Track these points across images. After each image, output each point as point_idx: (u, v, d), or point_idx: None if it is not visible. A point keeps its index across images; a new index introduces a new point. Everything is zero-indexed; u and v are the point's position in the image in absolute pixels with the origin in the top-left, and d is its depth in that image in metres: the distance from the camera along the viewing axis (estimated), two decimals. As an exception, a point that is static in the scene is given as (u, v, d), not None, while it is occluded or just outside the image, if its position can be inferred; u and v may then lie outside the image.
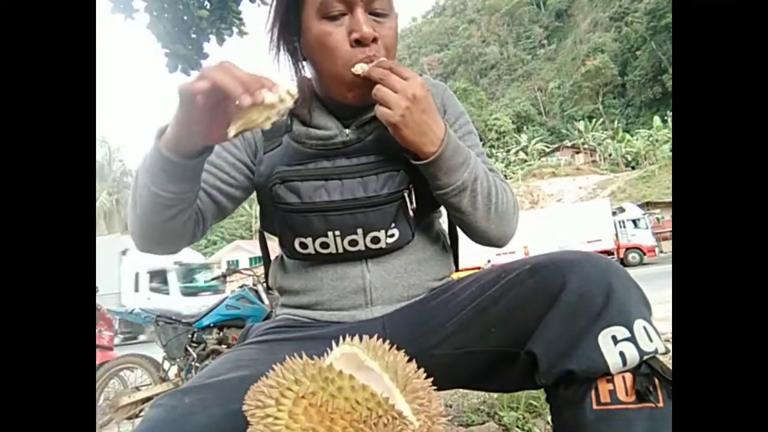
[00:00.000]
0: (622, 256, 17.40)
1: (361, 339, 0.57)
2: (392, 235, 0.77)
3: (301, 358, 0.53)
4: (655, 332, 0.55)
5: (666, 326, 3.23)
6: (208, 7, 4.08)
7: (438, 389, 0.59)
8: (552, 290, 0.59)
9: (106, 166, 35.85)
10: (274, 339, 0.79)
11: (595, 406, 0.54)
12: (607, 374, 0.53)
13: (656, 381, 0.53)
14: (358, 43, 0.70)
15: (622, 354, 0.53)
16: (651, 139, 44.13)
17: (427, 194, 0.79)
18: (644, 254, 17.56)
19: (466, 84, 75.43)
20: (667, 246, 21.51)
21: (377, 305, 0.79)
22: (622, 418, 0.53)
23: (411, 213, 0.77)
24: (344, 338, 0.58)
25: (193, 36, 4.14)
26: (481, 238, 0.80)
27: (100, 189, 32.97)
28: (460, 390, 2.22)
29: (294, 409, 0.47)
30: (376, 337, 0.58)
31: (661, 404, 0.52)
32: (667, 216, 21.61)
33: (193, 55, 4.18)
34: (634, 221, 18.06)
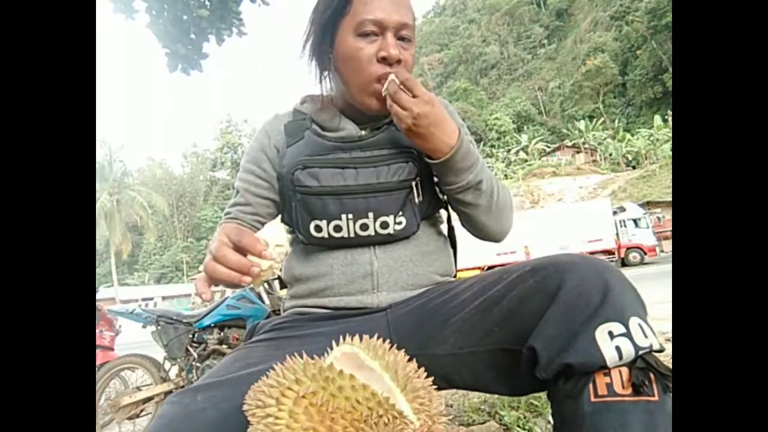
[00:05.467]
0: (622, 255, 17.36)
1: (361, 339, 0.57)
2: (400, 223, 0.83)
3: (308, 354, 0.53)
4: (650, 330, 0.57)
5: (666, 325, 3.23)
6: (208, 6, 4.08)
7: (441, 389, 0.59)
8: (551, 289, 0.62)
9: (107, 166, 35.84)
10: (283, 336, 0.83)
11: (592, 399, 0.56)
12: (604, 368, 0.55)
13: (652, 375, 0.55)
14: (384, 60, 0.81)
15: (618, 348, 0.55)
16: (652, 138, 44.04)
17: (432, 190, 0.89)
18: (645, 254, 17.51)
19: (467, 84, 75.35)
20: (668, 245, 21.49)
21: (383, 291, 0.84)
22: (618, 409, 0.55)
23: (417, 204, 0.85)
24: (344, 338, 0.58)
25: (193, 36, 4.14)
26: (481, 231, 0.89)
27: (101, 189, 33.01)
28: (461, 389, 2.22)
29: (294, 409, 0.47)
30: (376, 336, 0.58)
31: (656, 398, 0.54)
32: (668, 215, 21.57)
33: (192, 55, 4.18)
34: (634, 221, 18.01)
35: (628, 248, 17.60)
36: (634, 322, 0.56)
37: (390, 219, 0.83)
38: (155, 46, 4.20)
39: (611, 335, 0.55)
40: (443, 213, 0.98)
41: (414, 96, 0.76)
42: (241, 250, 0.66)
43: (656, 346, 0.56)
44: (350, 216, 0.82)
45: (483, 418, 1.74)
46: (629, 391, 0.54)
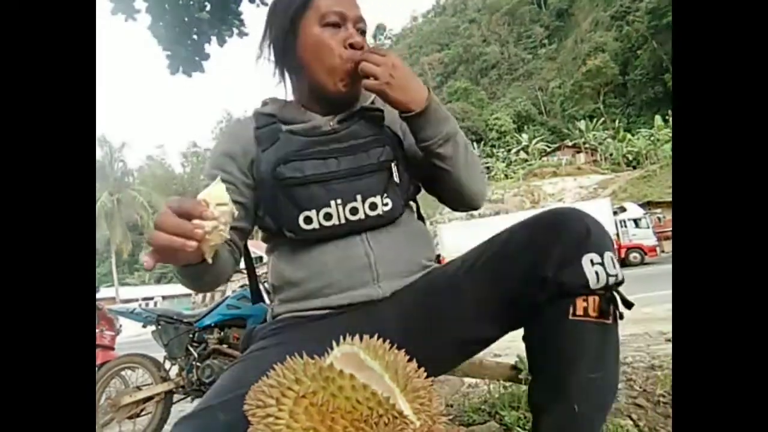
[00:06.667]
0: (623, 255, 17.30)
1: (361, 338, 0.57)
2: (387, 204, 0.86)
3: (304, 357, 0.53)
4: (617, 263, 0.71)
5: (666, 325, 3.23)
6: (208, 8, 4.07)
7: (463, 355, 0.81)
8: (551, 233, 0.73)
9: (107, 165, 35.84)
10: (282, 342, 0.80)
11: (570, 317, 0.70)
12: (586, 287, 0.69)
13: (613, 306, 0.70)
14: (352, 47, 0.87)
15: (597, 273, 0.69)
16: (652, 138, 43.94)
17: (408, 176, 0.92)
18: (645, 254, 17.45)
19: (467, 83, 75.32)
20: (669, 246, 21.44)
21: (384, 280, 0.85)
22: (585, 327, 0.70)
23: (398, 185, 0.89)
24: (344, 338, 0.58)
25: (194, 37, 4.14)
26: (460, 193, 0.92)
27: (102, 189, 33.00)
28: (461, 389, 2.22)
29: (295, 409, 0.47)
30: (376, 336, 0.58)
31: (609, 321, 0.70)
32: (669, 215, 21.51)
33: (194, 57, 4.17)
34: (635, 221, 17.96)
35: (628, 248, 17.54)
36: (607, 255, 0.70)
37: (378, 200, 0.85)
38: (155, 45, 4.19)
39: (592, 262, 0.69)
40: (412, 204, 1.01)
41: (381, 56, 0.83)
42: (183, 216, 0.62)
43: (620, 277, 0.71)
44: (339, 201, 0.83)
45: (483, 418, 1.74)
46: (596, 314, 0.69)
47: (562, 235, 0.73)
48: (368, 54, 0.84)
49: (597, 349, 0.70)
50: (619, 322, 0.73)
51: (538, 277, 0.72)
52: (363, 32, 0.92)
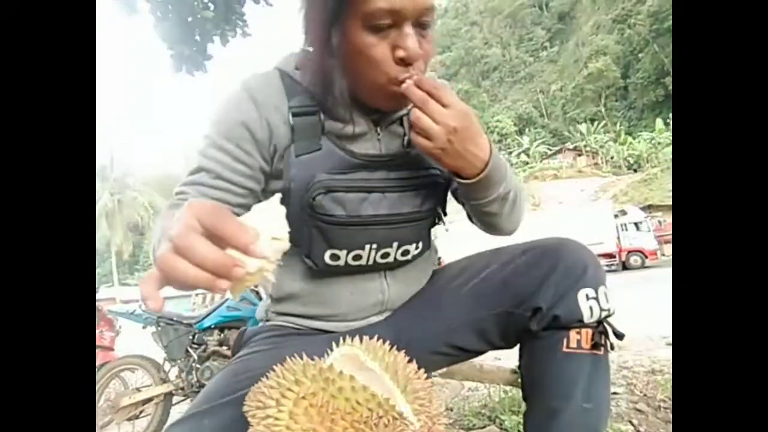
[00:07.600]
0: (624, 259, 17.28)
1: (361, 340, 0.57)
2: (418, 248, 0.82)
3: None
4: (609, 297, 0.72)
5: (666, 329, 3.22)
6: (212, 8, 4.09)
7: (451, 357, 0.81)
8: (549, 263, 0.73)
9: (108, 166, 35.91)
10: (283, 345, 0.78)
11: (564, 349, 0.71)
12: (581, 321, 0.70)
13: (605, 337, 0.71)
14: (403, 61, 0.66)
15: (591, 308, 0.70)
16: (653, 141, 44.06)
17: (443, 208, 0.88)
18: (646, 257, 17.42)
19: (468, 86, 75.51)
20: (670, 249, 21.42)
21: (389, 311, 0.85)
22: (578, 358, 0.71)
23: (432, 227, 0.86)
24: (344, 339, 0.58)
25: (197, 38, 4.15)
26: (494, 231, 0.87)
27: (102, 189, 33.07)
28: (461, 393, 2.22)
29: (294, 410, 0.47)
30: (375, 337, 0.58)
31: (601, 353, 0.71)
32: (670, 219, 21.51)
33: (197, 56, 4.19)
34: (636, 224, 17.93)
35: (629, 252, 17.51)
36: (601, 290, 0.71)
37: (412, 247, 0.80)
38: (158, 45, 4.21)
39: (587, 297, 0.70)
40: None
41: (445, 106, 0.64)
42: (216, 239, 0.44)
43: (612, 311, 0.73)
44: (374, 246, 0.76)
45: (483, 422, 1.73)
46: (588, 346, 0.71)
47: (559, 267, 0.72)
48: (427, 102, 0.64)
49: (590, 380, 0.71)
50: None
51: (532, 306, 0.72)
52: (426, 26, 0.68)
